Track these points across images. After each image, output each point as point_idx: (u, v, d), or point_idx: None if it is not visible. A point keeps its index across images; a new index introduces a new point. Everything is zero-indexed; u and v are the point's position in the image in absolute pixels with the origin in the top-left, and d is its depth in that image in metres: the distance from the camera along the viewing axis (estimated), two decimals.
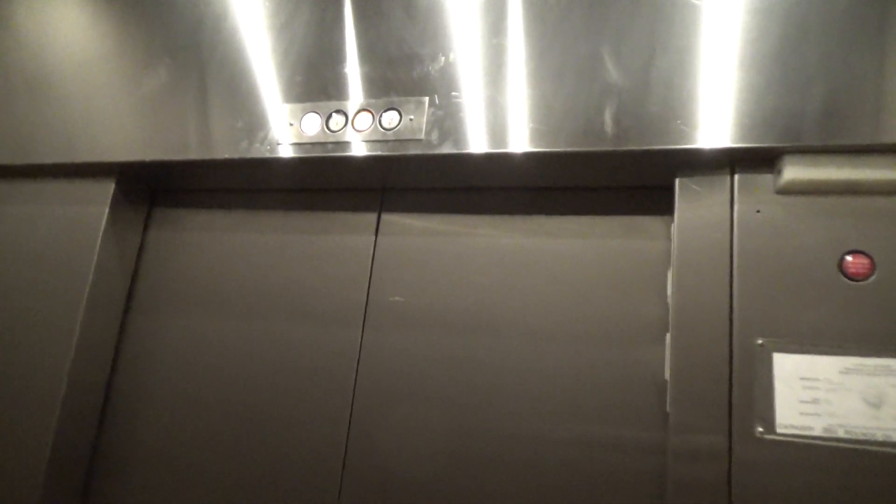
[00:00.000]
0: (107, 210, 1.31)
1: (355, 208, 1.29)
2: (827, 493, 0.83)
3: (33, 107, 1.41)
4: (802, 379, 0.86)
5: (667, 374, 0.96)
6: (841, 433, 0.84)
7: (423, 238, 1.23)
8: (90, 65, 1.39)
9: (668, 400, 0.93)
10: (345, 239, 1.28)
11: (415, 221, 1.25)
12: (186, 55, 1.31)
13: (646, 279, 1.08)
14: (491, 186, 1.22)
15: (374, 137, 1.12)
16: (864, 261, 0.88)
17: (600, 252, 1.12)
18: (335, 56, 1.20)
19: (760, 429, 0.86)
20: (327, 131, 1.15)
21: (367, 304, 1.23)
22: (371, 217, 1.28)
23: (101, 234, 1.31)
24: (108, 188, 1.33)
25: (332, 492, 1.15)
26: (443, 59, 1.12)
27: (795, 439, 0.85)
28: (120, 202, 1.35)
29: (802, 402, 0.85)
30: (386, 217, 1.27)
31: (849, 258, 0.89)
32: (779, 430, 0.85)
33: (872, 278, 0.88)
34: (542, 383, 1.09)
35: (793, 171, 0.92)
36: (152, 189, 1.45)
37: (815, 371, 0.86)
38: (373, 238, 1.26)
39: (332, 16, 1.23)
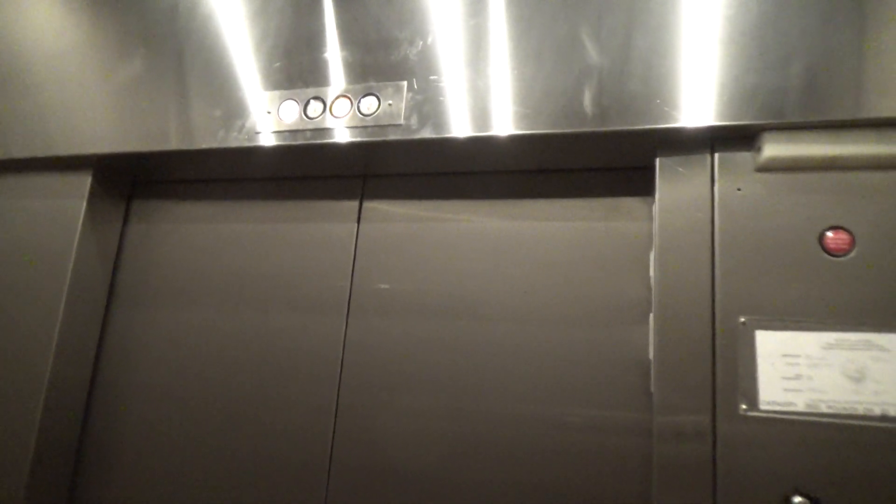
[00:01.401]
0: (84, 203, 1.29)
1: (337, 196, 1.28)
2: (810, 467, 0.83)
3: (6, 100, 1.38)
4: (785, 356, 0.86)
5: (650, 355, 0.96)
6: (823, 408, 0.84)
7: (405, 224, 1.22)
8: (64, 56, 1.37)
9: (651, 380, 0.93)
10: (327, 227, 1.27)
11: (397, 208, 1.24)
12: (161, 43, 1.29)
13: (628, 260, 1.08)
14: (472, 171, 1.21)
15: (352, 124, 1.10)
16: (843, 236, 0.88)
17: (582, 234, 1.12)
18: (312, 42, 1.18)
19: (744, 406, 0.86)
20: (305, 118, 1.13)
21: (350, 291, 1.22)
22: (353, 204, 1.26)
23: (79, 227, 1.29)
24: (85, 181, 1.31)
25: (321, 481, 1.15)
26: (420, 42, 1.11)
27: (779, 415, 0.85)
28: (97, 195, 1.33)
29: (785, 378, 0.86)
30: (368, 204, 1.26)
31: (829, 234, 0.89)
32: (762, 407, 0.86)
33: (852, 253, 0.88)
34: (527, 366, 1.09)
35: (772, 149, 0.91)
36: (131, 181, 1.43)
37: (797, 347, 0.86)
38: (355, 225, 1.25)
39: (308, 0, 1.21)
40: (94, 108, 1.29)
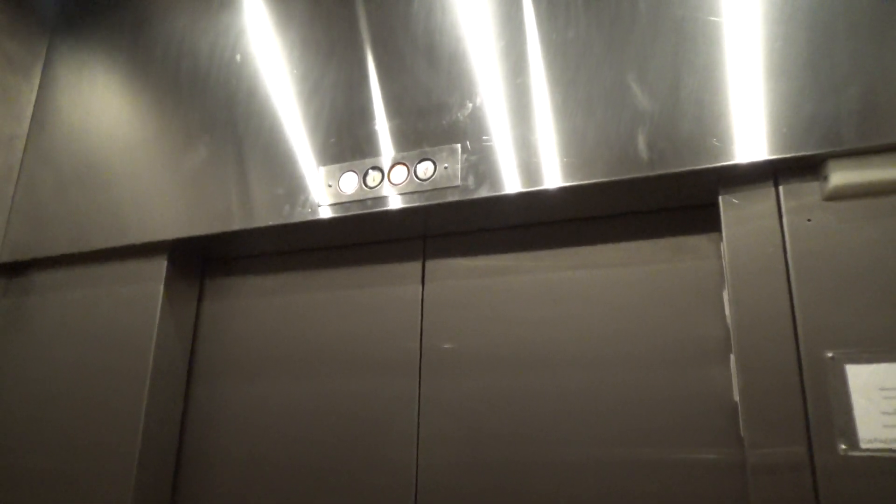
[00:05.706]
0: (162, 286, 1.36)
1: (400, 258, 1.31)
2: None
3: (84, 194, 1.48)
4: (882, 389, 0.83)
5: (736, 397, 0.93)
6: None
7: (469, 280, 1.24)
8: (134, 149, 1.46)
9: (740, 424, 0.91)
10: (393, 289, 1.30)
11: (460, 265, 1.26)
12: (223, 130, 1.36)
13: (700, 299, 1.06)
14: (532, 222, 1.22)
15: (410, 189, 1.14)
16: None
17: (650, 276, 1.11)
18: (365, 114, 1.23)
19: (843, 446, 0.83)
20: (365, 188, 1.17)
21: (421, 351, 1.24)
22: (416, 265, 1.29)
23: (159, 309, 1.35)
24: (162, 265, 1.38)
25: None
26: (470, 105, 1.14)
27: (883, 453, 0.81)
28: (173, 277, 1.40)
29: (885, 413, 0.82)
30: (430, 264, 1.28)
31: None
32: (863, 446, 0.82)
33: None
34: (605, 411, 1.07)
35: (839, 177, 0.90)
36: (203, 260, 1.50)
37: (894, 379, 0.83)
38: (420, 286, 1.28)
39: (358, 75, 1.26)
40: (165, 195, 1.37)
